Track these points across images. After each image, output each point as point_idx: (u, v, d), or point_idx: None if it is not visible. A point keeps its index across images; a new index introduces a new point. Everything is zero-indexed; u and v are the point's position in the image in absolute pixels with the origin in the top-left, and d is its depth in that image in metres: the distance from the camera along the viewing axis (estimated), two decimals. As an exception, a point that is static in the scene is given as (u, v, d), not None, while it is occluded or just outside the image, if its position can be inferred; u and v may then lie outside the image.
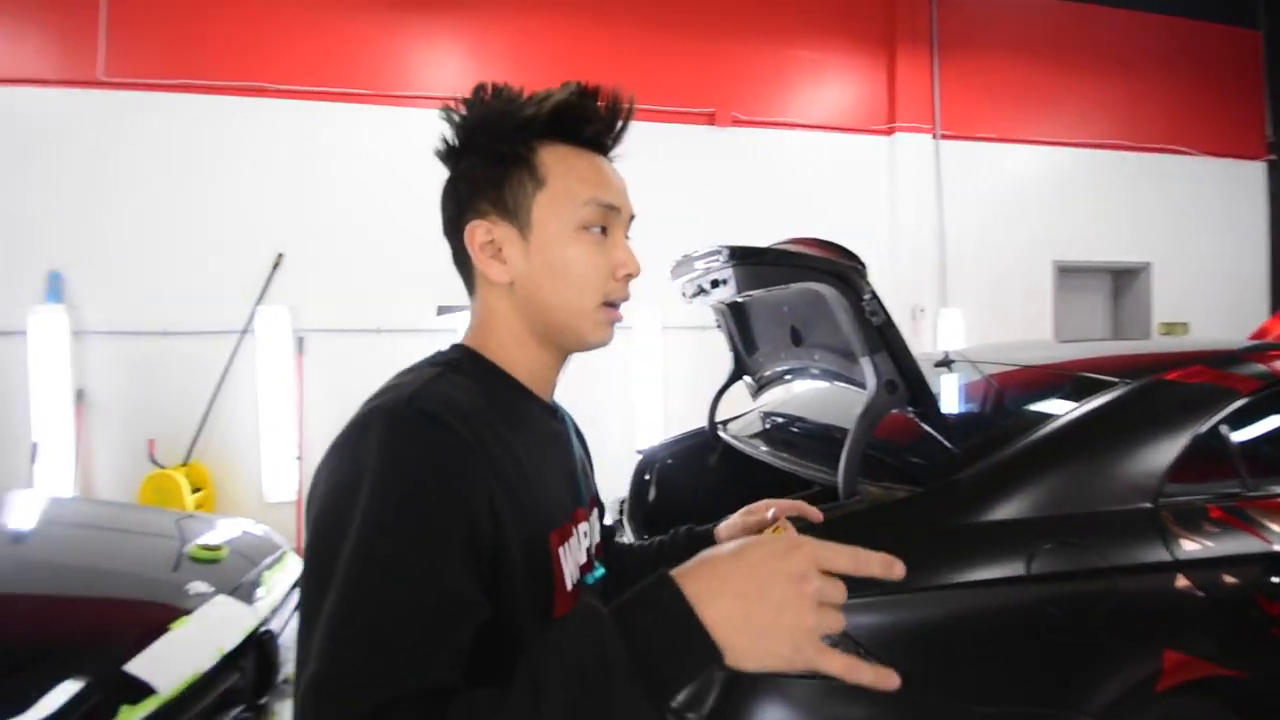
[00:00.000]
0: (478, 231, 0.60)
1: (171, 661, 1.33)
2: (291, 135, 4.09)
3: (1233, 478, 1.49)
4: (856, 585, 1.31)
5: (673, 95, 4.61)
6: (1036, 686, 1.21)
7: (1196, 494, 1.44)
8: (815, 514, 0.73)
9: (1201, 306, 5.62)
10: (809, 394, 2.61)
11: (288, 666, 1.81)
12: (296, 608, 1.89)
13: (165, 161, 3.92)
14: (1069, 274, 5.48)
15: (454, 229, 0.62)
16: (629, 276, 0.60)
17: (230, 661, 1.47)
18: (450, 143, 0.63)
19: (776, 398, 2.66)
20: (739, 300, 2.21)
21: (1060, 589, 1.25)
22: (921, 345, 4.19)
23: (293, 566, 1.98)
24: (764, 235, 1.99)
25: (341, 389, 4.11)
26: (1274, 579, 1.35)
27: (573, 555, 0.59)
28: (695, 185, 4.61)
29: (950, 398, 1.99)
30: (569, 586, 0.57)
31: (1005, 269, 5.27)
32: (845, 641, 1.22)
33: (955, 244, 5.13)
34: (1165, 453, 1.42)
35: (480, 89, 0.60)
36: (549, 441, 0.63)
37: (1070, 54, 5.43)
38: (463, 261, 0.62)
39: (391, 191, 4.20)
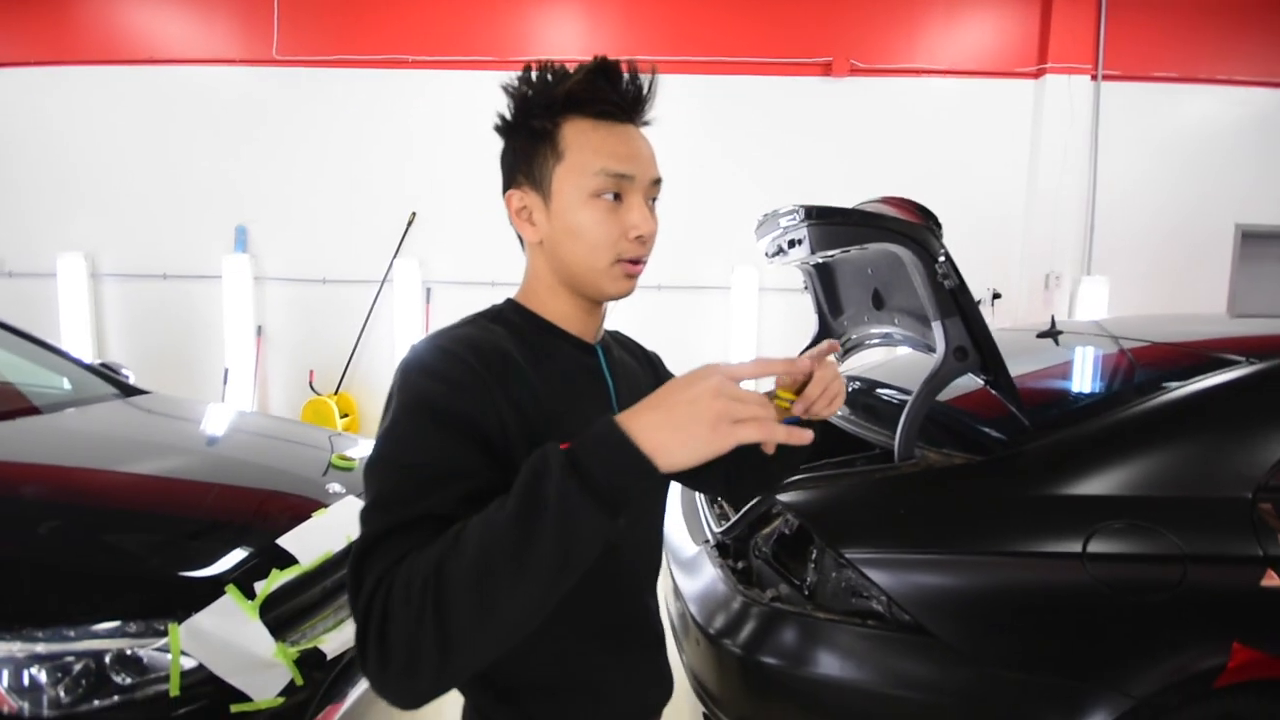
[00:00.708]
0: (514, 199, 0.71)
1: (312, 541, 1.65)
2: (425, 102, 4.47)
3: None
4: (905, 542, 1.33)
5: (787, 46, 4.43)
6: (1077, 661, 1.18)
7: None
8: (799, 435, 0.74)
9: None
10: (901, 359, 2.53)
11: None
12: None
13: (326, 130, 4.48)
14: (1258, 240, 4.62)
15: (504, 195, 0.73)
16: (640, 238, 0.68)
17: (355, 549, 1.79)
18: (504, 117, 0.71)
19: (869, 361, 2.60)
20: (825, 261, 2.18)
21: (1119, 569, 1.19)
22: (1053, 315, 3.79)
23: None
24: (880, 193, 1.94)
25: (461, 335, 4.57)
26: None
27: None
28: (808, 141, 4.44)
29: (1046, 371, 1.86)
30: None
31: (1171, 233, 4.56)
32: (885, 604, 1.26)
33: (1108, 204, 4.52)
34: (1274, 438, 1.27)
35: (527, 69, 0.69)
36: (579, 373, 0.72)
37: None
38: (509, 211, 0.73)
39: (509, 152, 4.48)
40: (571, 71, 0.67)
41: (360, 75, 4.44)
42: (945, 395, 1.81)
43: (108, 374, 2.55)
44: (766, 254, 2.04)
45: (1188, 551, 1.20)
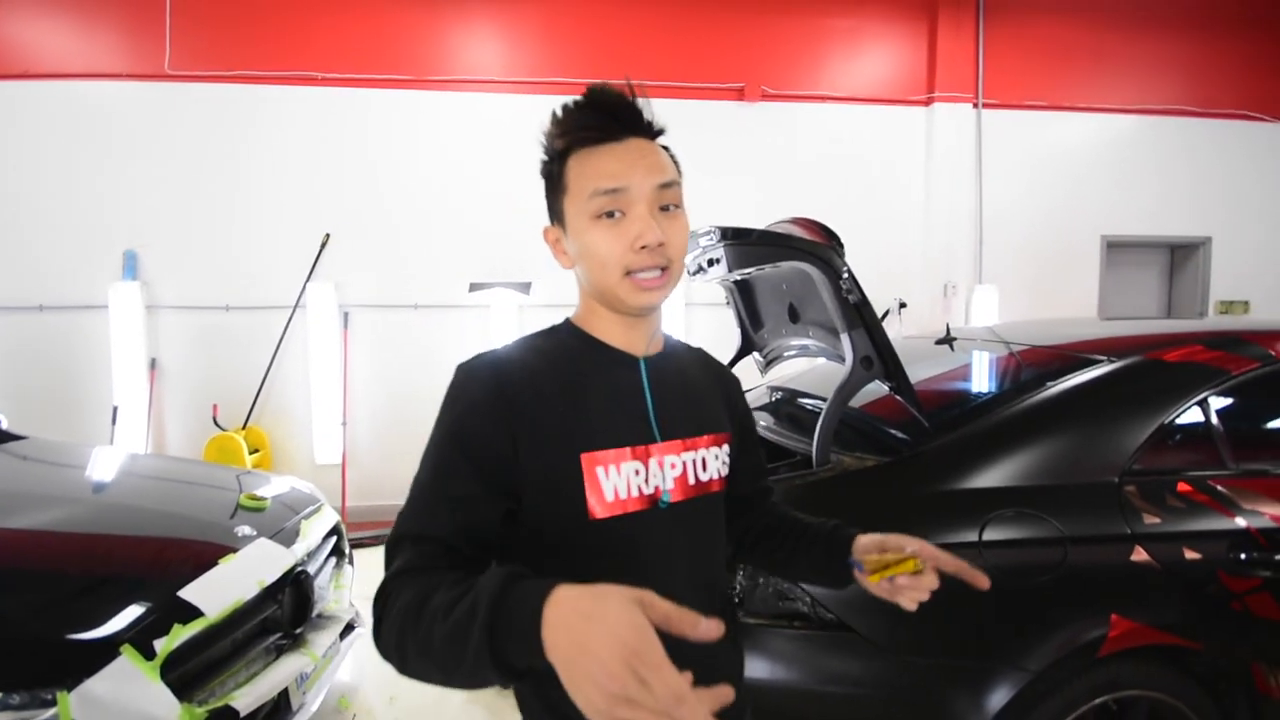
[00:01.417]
0: (548, 235, 0.78)
1: (219, 590, 1.54)
2: (338, 120, 4.31)
3: (1210, 455, 1.49)
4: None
5: (701, 71, 4.61)
6: (980, 643, 1.28)
7: (1169, 471, 1.45)
8: (982, 581, 0.76)
9: (1265, 283, 5.26)
10: (819, 369, 2.66)
11: (323, 603, 2.04)
12: (331, 553, 2.11)
13: (226, 148, 4.22)
14: (1120, 249, 5.22)
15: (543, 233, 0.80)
16: (645, 247, 0.69)
17: (270, 594, 1.68)
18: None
19: (790, 372, 2.72)
20: (744, 278, 2.28)
21: (1010, 554, 1.31)
22: (952, 323, 4.11)
23: (328, 517, 2.21)
24: (793, 213, 2.04)
25: (383, 360, 4.39)
26: (1240, 555, 1.36)
27: (626, 476, 0.72)
28: (724, 163, 4.61)
29: (944, 375, 2.02)
30: (611, 498, 0.71)
31: (1048, 245, 5.06)
32: (810, 605, 1.32)
33: (994, 219, 4.96)
34: (1139, 430, 1.44)
35: (552, 115, 0.75)
36: (617, 386, 0.76)
37: (1127, 13, 5.08)
38: None
39: (430, 173, 4.39)
40: (574, 100, 0.74)
41: (264, 92, 4.23)
42: (858, 402, 1.93)
43: (-28, 420, 2.29)
44: (688, 272, 2.11)
45: (1067, 534, 1.33)
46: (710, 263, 1.86)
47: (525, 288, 4.34)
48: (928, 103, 4.89)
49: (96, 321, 4.06)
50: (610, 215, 0.70)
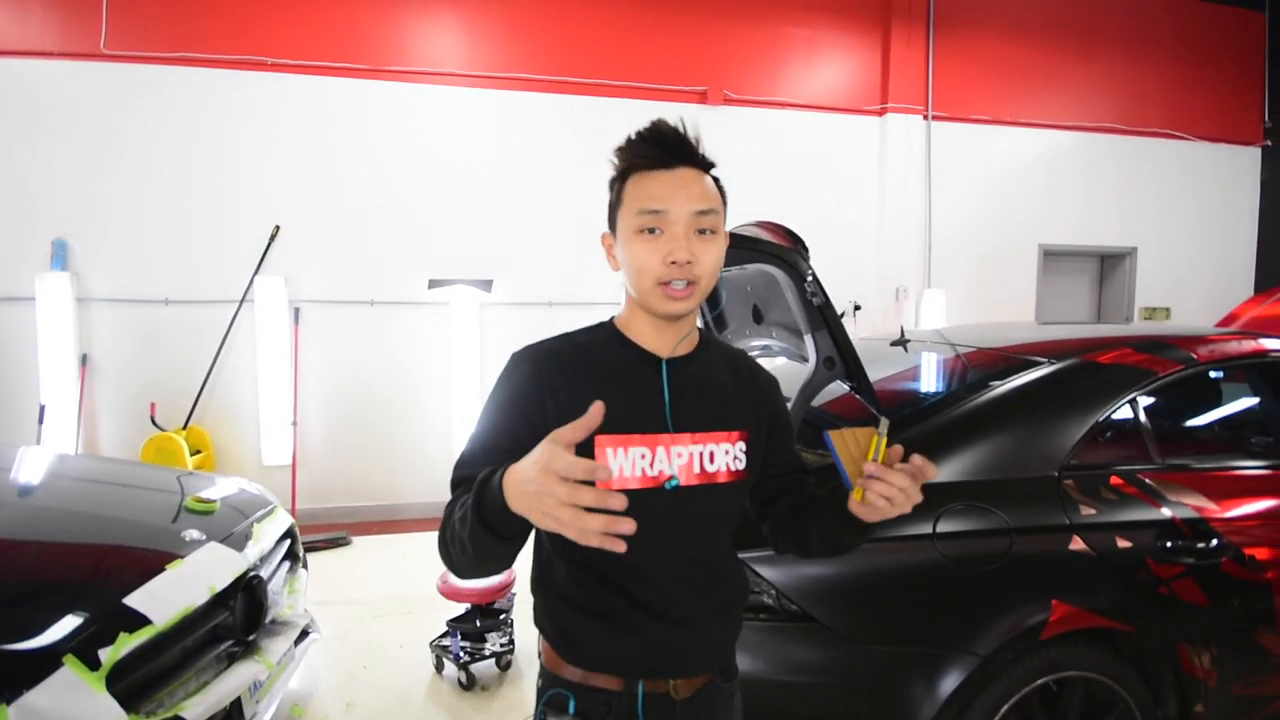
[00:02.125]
0: (605, 239, 0.90)
1: (167, 597, 1.47)
2: (289, 109, 4.15)
3: (1139, 451, 1.60)
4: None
5: (665, 74, 4.65)
6: (933, 630, 1.35)
7: (1103, 465, 1.56)
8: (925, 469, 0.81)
9: (1184, 292, 5.68)
10: (779, 368, 2.72)
11: (276, 608, 1.97)
12: (285, 557, 2.05)
13: (166, 133, 4.01)
14: (1055, 258, 5.53)
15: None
16: (674, 263, 0.80)
17: (220, 600, 1.62)
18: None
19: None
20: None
21: (961, 545, 1.38)
22: (905, 325, 4.28)
23: (282, 520, 2.13)
24: (753, 215, 2.08)
25: (336, 357, 4.25)
26: (1166, 544, 1.48)
27: (633, 458, 0.83)
28: (685, 164, 4.66)
29: (899, 375, 2.10)
30: (615, 475, 0.82)
31: (990, 252, 5.32)
32: (775, 597, 1.36)
33: (942, 226, 5.18)
34: (1076, 427, 1.54)
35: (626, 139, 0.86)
36: (637, 379, 0.87)
37: (1067, 34, 5.40)
38: None
39: (386, 166, 4.28)
40: (640, 131, 0.86)
41: (209, 75, 4.03)
42: (821, 401, 1.99)
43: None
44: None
45: (1012, 525, 1.41)
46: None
47: (486, 285, 4.29)
48: (881, 113, 5.06)
49: (22, 314, 3.80)
50: (651, 231, 0.81)
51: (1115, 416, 1.59)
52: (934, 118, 5.13)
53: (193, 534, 1.73)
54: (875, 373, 2.06)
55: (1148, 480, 1.55)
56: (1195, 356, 1.74)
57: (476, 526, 0.68)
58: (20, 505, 1.91)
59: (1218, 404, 1.95)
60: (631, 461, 0.82)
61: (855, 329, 4.86)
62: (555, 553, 0.86)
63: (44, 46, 3.83)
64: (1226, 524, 1.53)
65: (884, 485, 0.77)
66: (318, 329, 4.24)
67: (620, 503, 0.59)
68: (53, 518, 1.80)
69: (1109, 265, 5.79)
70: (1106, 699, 1.46)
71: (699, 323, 2.50)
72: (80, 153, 3.91)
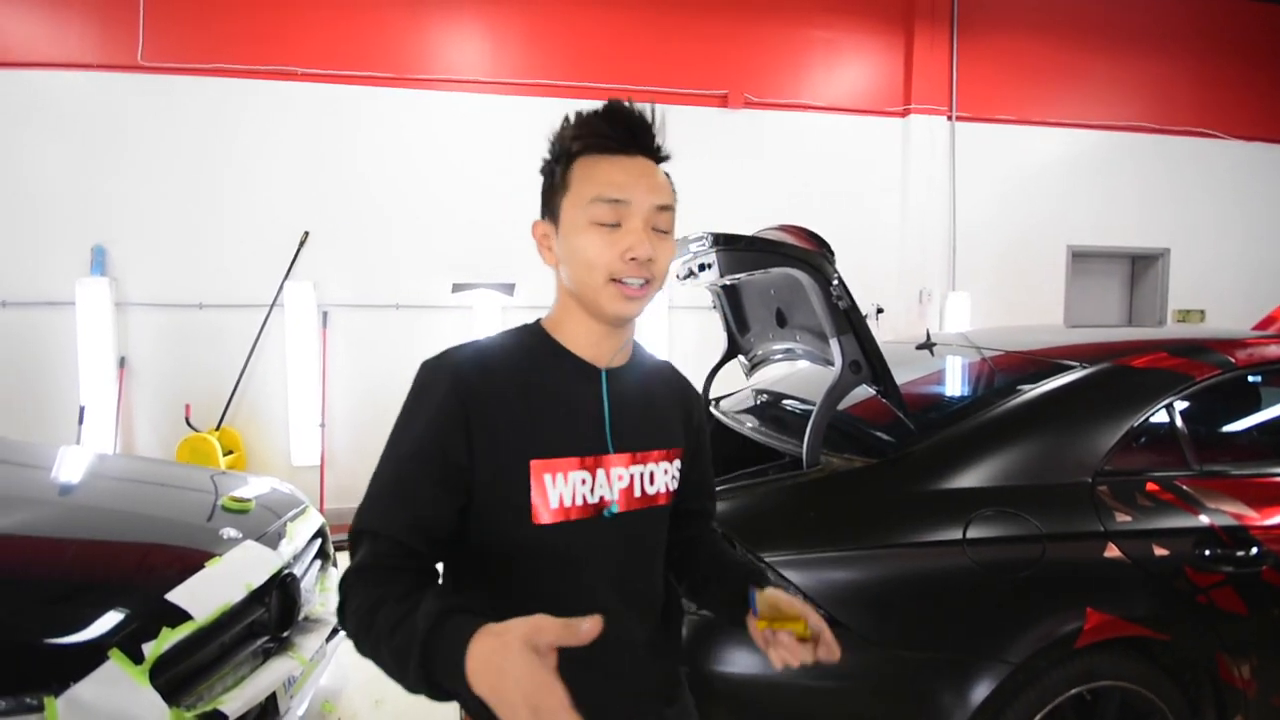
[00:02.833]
0: (537, 229, 0.79)
1: (206, 594, 1.52)
2: (318, 117, 4.25)
3: (1176, 457, 1.57)
4: (816, 543, 1.44)
5: (686, 77, 4.66)
6: (964, 637, 1.33)
7: (1138, 471, 1.53)
8: (834, 651, 0.74)
9: (1219, 293, 5.53)
10: (802, 372, 2.72)
11: (309, 606, 2.01)
12: (316, 555, 2.09)
13: (201, 142, 4.13)
14: (1084, 259, 5.42)
15: (531, 226, 0.80)
16: (635, 260, 0.71)
17: (257, 597, 1.66)
18: (542, 160, 0.79)
19: (774, 376, 2.78)
20: (731, 283, 2.32)
21: (992, 551, 1.36)
22: (929, 328, 4.24)
23: (313, 519, 2.18)
24: (774, 218, 2.08)
25: (362, 361, 4.33)
26: (1204, 552, 1.44)
27: (573, 485, 0.74)
28: (708, 168, 4.67)
29: (925, 379, 2.08)
30: (555, 505, 0.73)
31: (1017, 253, 5.24)
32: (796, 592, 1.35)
33: (966, 228, 5.11)
34: (1110, 432, 1.51)
35: (564, 120, 0.77)
36: (576, 396, 0.77)
37: (1094, 33, 5.30)
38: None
39: (411, 172, 4.36)
40: (596, 109, 0.76)
41: (241, 85, 4.15)
42: (844, 405, 1.98)
43: (-67, 419, 2.20)
44: (678, 276, 2.14)
45: (1045, 531, 1.39)
46: (701, 267, 1.89)
47: (509, 289, 4.33)
48: (904, 114, 5.02)
49: (62, 318, 3.93)
50: (607, 224, 0.72)
51: (1151, 422, 1.56)
52: (958, 118, 5.07)
53: (230, 532, 1.78)
54: (901, 376, 2.05)
55: (1185, 487, 1.52)
56: (1233, 360, 1.70)
57: (415, 674, 0.58)
58: (62, 504, 1.98)
59: (1257, 409, 1.90)
60: (572, 489, 0.73)
61: (878, 333, 4.81)
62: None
63: (83, 59, 3.97)
64: (1267, 532, 1.49)
65: (784, 653, 0.73)
66: (345, 333, 4.32)
67: None
68: (94, 516, 1.86)
69: (1140, 266, 5.66)
70: (1143, 709, 1.42)
71: (722, 326, 2.51)
72: (118, 161, 4.04)
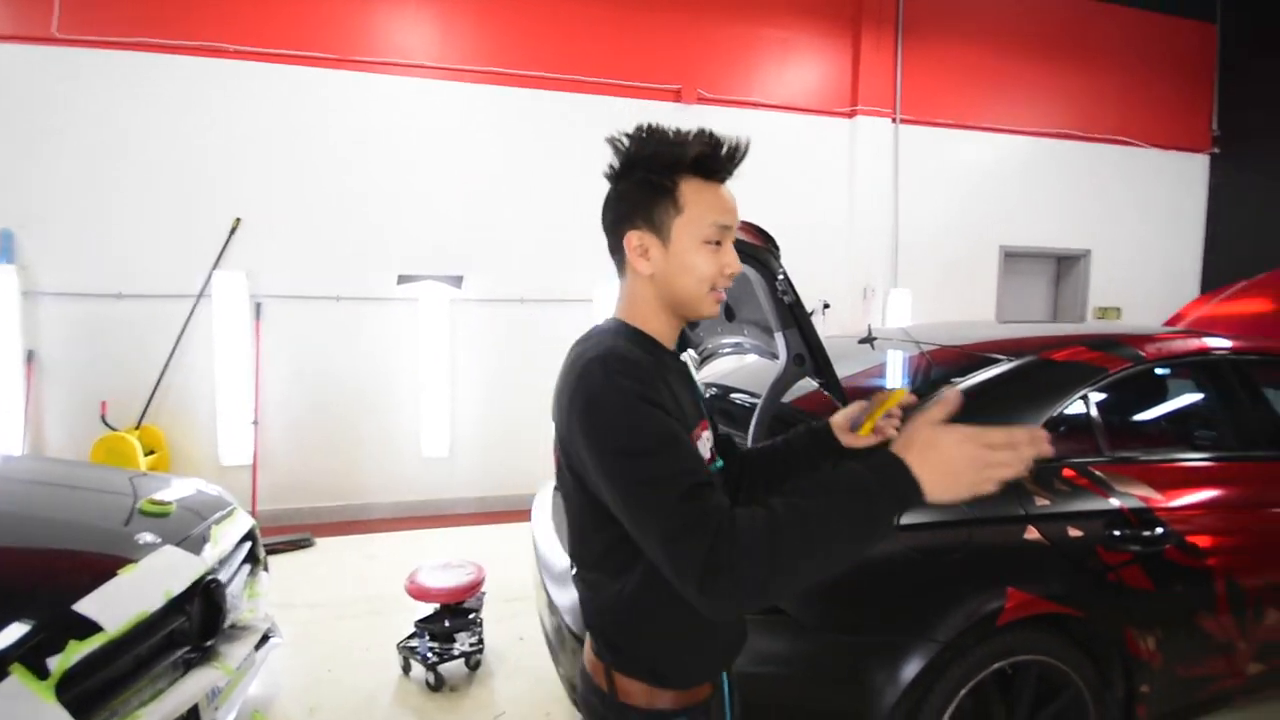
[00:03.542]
0: (634, 238, 0.84)
1: (119, 603, 1.42)
2: (252, 98, 4.03)
3: (1090, 444, 1.67)
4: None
5: (639, 71, 4.65)
6: (897, 619, 1.38)
7: (1056, 458, 1.62)
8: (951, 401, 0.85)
9: (1135, 292, 5.92)
10: (751, 366, 2.75)
11: (236, 613, 1.92)
12: (245, 560, 2.00)
13: (122, 121, 3.85)
14: (1014, 259, 5.71)
15: (615, 231, 0.87)
16: (729, 274, 0.86)
17: (177, 605, 1.57)
18: (614, 166, 0.86)
19: (722, 369, 2.80)
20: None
21: (924, 537, 1.42)
22: (872, 324, 4.39)
23: (242, 522, 2.07)
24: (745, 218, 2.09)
25: (301, 355, 4.15)
26: (1114, 533, 1.54)
27: (703, 447, 0.85)
28: (657, 162, 4.68)
29: (866, 371, 2.15)
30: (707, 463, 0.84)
31: (955, 252, 5.47)
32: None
33: (909, 227, 5.30)
34: (1032, 421, 1.59)
35: (639, 129, 0.84)
36: (678, 375, 0.90)
37: (1030, 42, 5.57)
38: (616, 252, 0.88)
39: (354, 159, 4.19)
40: (689, 138, 0.83)
41: (166, 61, 3.88)
42: (789, 397, 2.02)
43: None
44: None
45: (971, 516, 1.46)
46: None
47: (456, 281, 4.24)
48: (851, 115, 5.15)
49: (-41, 309, 3.61)
50: (715, 243, 0.84)
51: (1068, 411, 1.66)
52: (902, 121, 5.24)
53: (146, 537, 1.68)
54: (843, 370, 2.11)
55: (1098, 472, 1.62)
56: (1143, 354, 1.82)
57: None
58: (-41, 509, 1.82)
59: (1164, 399, 2.04)
60: (705, 450, 0.87)
61: (824, 327, 4.95)
62: (649, 588, 0.80)
63: (-12, 28, 3.64)
64: (1170, 513, 1.61)
65: (909, 425, 0.79)
66: (281, 325, 4.13)
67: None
68: (1, 521, 1.72)
69: (1065, 266, 6.00)
70: (1059, 682, 1.51)
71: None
72: (29, 140, 3.73)
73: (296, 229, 4.13)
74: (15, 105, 3.70)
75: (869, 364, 2.23)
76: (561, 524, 2.00)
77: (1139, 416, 1.96)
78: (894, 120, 5.22)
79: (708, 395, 2.49)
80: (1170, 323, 3.80)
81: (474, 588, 2.41)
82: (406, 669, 2.41)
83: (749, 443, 1.62)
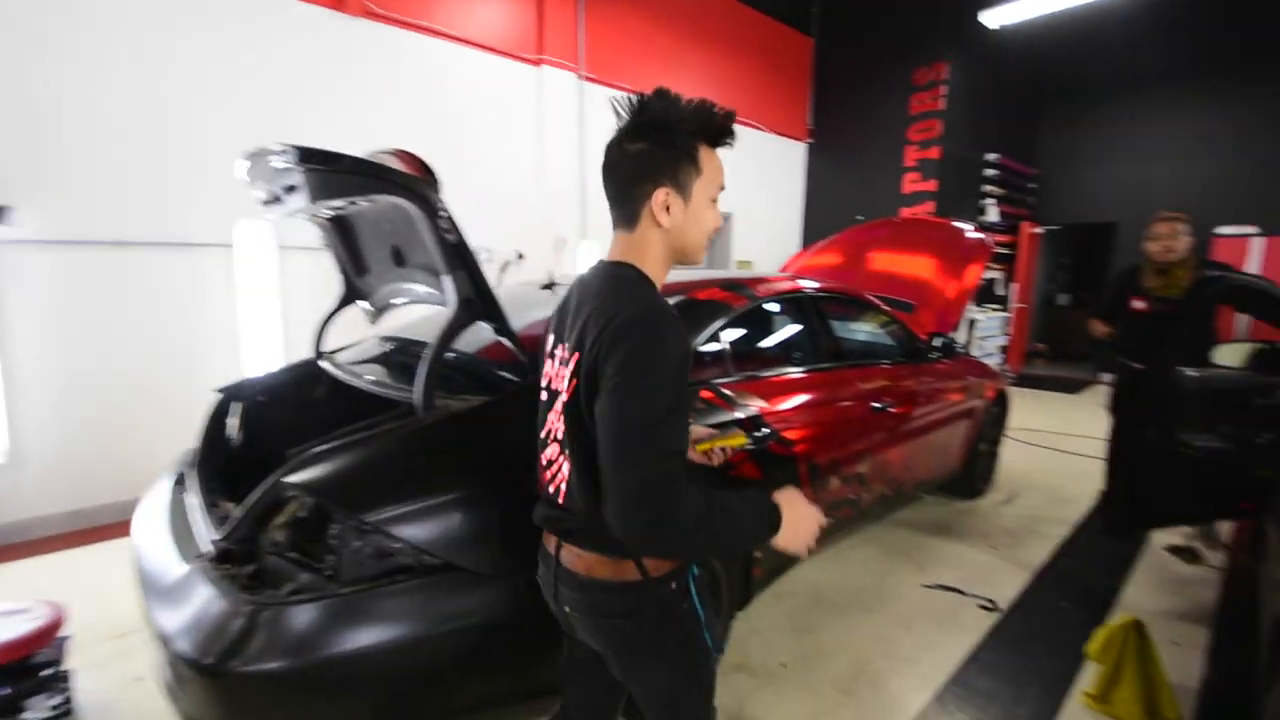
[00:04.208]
0: (660, 195, 0.96)
1: None
2: None
3: (723, 367, 2.01)
4: (432, 490, 1.36)
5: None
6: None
7: (697, 382, 1.91)
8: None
9: (763, 249, 7.44)
10: (436, 316, 2.58)
11: None
12: None
13: None
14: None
15: (636, 186, 0.96)
16: (718, 228, 1.03)
17: None
18: (627, 129, 0.96)
19: (407, 320, 2.57)
20: (340, 215, 2.01)
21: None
22: (550, 270, 4.54)
23: None
24: (409, 149, 1.81)
25: (71, 320, 2.44)
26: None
27: None
28: (319, 82, 3.97)
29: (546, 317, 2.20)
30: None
31: (635, 209, 6.02)
32: (413, 554, 1.27)
33: (595, 182, 5.62)
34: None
35: (651, 96, 0.95)
36: None
37: (690, 24, 6.29)
38: (632, 204, 0.97)
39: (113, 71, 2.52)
40: (702, 110, 0.95)
41: None
42: (473, 347, 1.95)
43: None
44: (262, 201, 1.75)
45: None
46: (289, 190, 1.57)
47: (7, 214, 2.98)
48: (538, 64, 5.13)
49: None
50: (714, 201, 1.01)
51: (707, 341, 1.95)
52: (586, 78, 5.43)
53: None
54: (531, 315, 2.12)
55: (727, 390, 1.96)
56: (757, 293, 2.25)
57: (760, 534, 0.98)
58: None
59: (771, 328, 2.57)
60: None
61: (519, 277, 4.98)
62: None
63: None
64: (773, 415, 2.04)
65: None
66: (34, 280, 2.36)
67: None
68: None
69: (718, 225, 7.16)
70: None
71: (336, 266, 2.19)
72: None
73: (52, 157, 2.35)
74: None
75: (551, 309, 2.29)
76: (180, 521, 1.60)
77: (755, 343, 2.43)
78: (579, 75, 5.38)
79: (383, 350, 2.27)
80: (783, 270, 4.83)
81: (44, 636, 1.75)
82: (-49, 760, 1.70)
83: (417, 400, 1.50)
